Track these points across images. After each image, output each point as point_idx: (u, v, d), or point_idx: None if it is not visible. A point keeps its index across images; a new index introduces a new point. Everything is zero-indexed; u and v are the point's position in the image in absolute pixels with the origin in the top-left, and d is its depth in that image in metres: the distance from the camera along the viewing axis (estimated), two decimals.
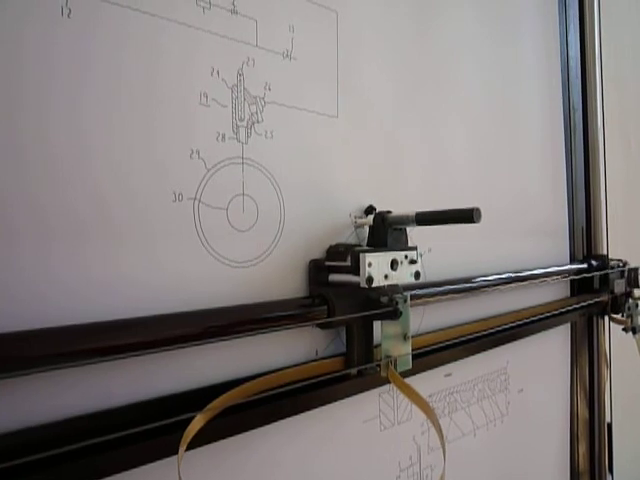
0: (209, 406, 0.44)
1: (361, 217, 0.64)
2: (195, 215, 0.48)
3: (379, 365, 0.59)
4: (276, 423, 0.51)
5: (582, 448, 1.18)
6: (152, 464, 0.41)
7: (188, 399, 0.46)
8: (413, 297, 0.61)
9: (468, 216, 0.52)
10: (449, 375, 0.80)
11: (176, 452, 0.40)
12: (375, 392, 0.67)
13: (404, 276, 0.58)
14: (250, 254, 0.53)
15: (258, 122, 0.54)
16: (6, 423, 0.37)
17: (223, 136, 0.51)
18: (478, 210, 0.52)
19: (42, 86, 0.39)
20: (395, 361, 0.58)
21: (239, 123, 0.52)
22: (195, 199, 0.48)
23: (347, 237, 0.62)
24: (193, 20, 0.49)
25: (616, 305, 1.15)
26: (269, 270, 0.54)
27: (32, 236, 0.39)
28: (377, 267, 0.55)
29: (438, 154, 0.79)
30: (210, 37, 0.50)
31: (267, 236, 0.55)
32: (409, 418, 0.73)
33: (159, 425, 0.39)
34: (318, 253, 0.59)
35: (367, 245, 0.60)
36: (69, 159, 0.41)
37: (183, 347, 0.44)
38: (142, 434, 0.39)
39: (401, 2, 0.73)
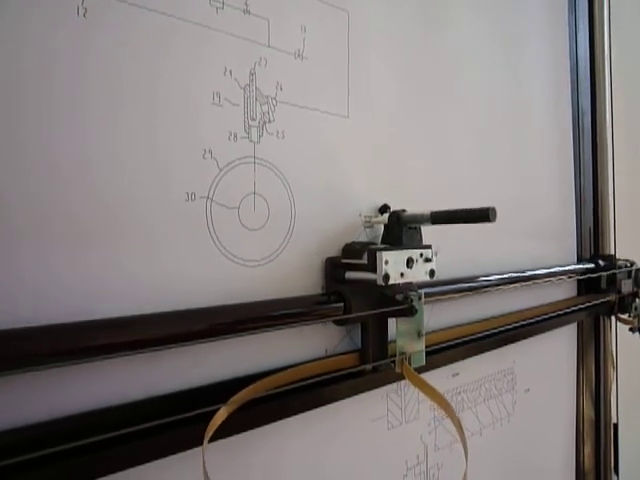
0: (232, 399, 0.45)
1: (370, 216, 0.64)
2: (207, 214, 0.49)
3: (394, 361, 0.59)
4: (287, 419, 0.52)
5: (588, 448, 1.18)
6: (169, 458, 0.42)
7: (203, 393, 0.47)
8: (425, 295, 0.61)
9: (484, 215, 0.52)
10: (457, 375, 0.80)
11: (196, 444, 0.42)
12: (383, 391, 0.67)
13: (419, 274, 0.59)
14: (261, 253, 0.53)
15: (270, 122, 0.54)
16: (34, 414, 0.38)
17: (235, 136, 0.51)
18: (494, 209, 0.52)
19: (66, 86, 0.40)
20: (409, 357, 0.59)
21: (251, 123, 0.52)
22: (207, 198, 0.49)
23: (357, 236, 0.63)
24: (207, 20, 0.49)
25: (623, 305, 1.15)
26: (279, 269, 0.55)
27: (63, 237, 0.39)
28: (393, 265, 0.55)
29: (446, 154, 0.79)
30: (223, 37, 0.50)
31: (278, 235, 0.55)
32: (416, 417, 0.73)
33: (181, 418, 0.40)
34: (328, 251, 0.59)
35: (382, 243, 0.61)
36: (95, 161, 0.41)
37: (201, 342, 0.45)
38: (163, 427, 0.40)
39: (412, 3, 0.73)
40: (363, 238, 0.63)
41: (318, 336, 0.59)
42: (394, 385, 0.68)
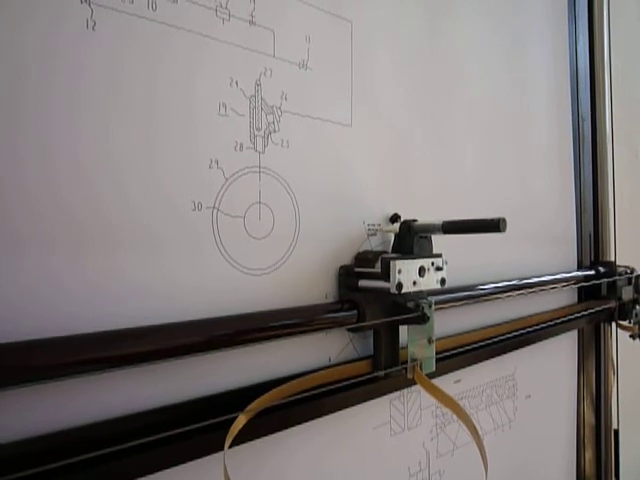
0: (250, 406, 0.46)
1: (374, 224, 0.65)
2: (214, 223, 0.49)
3: (405, 368, 0.60)
4: (296, 426, 0.53)
5: (588, 454, 1.18)
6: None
7: (216, 402, 0.48)
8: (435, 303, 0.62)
9: (495, 226, 0.53)
10: (458, 381, 0.80)
11: (214, 451, 0.43)
12: (386, 398, 0.67)
13: (431, 282, 0.60)
14: (266, 262, 0.54)
15: (275, 131, 0.54)
16: (56, 423, 0.39)
17: (241, 146, 0.51)
18: (504, 220, 0.53)
19: (71, 95, 0.40)
20: (421, 364, 0.60)
21: (256, 133, 0.53)
22: (214, 208, 0.49)
23: (361, 244, 0.63)
24: (213, 31, 0.49)
25: (623, 312, 1.15)
26: (284, 277, 0.55)
27: (65, 245, 0.39)
28: (406, 274, 0.57)
29: (448, 162, 0.79)
30: (229, 48, 0.51)
31: (283, 244, 0.55)
32: (418, 424, 0.73)
33: (200, 426, 0.41)
34: (331, 259, 0.60)
35: (392, 252, 0.62)
36: (99, 168, 0.41)
37: (218, 351, 0.46)
38: (182, 435, 0.41)
39: (414, 12, 0.73)
40: (367, 246, 0.64)
41: (322, 344, 0.59)
42: (397, 392, 0.69)
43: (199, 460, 0.44)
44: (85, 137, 0.41)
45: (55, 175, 0.39)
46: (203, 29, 0.49)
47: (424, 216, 0.63)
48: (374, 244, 0.65)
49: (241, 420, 0.44)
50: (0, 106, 0.37)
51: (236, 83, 0.51)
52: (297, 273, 0.56)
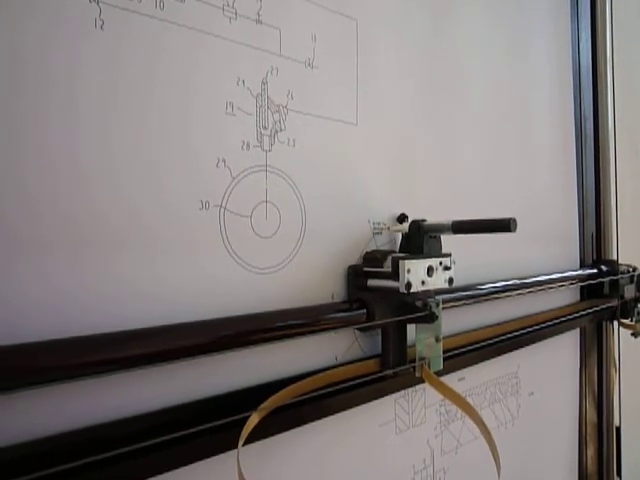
0: (263, 405, 0.46)
1: (379, 222, 0.65)
2: (221, 222, 0.49)
3: (414, 366, 0.61)
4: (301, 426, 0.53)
5: (591, 451, 1.18)
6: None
7: (226, 401, 0.49)
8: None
9: (505, 226, 0.53)
10: (462, 379, 0.80)
11: (222, 450, 0.44)
12: (392, 396, 0.67)
13: (439, 282, 0.60)
14: (273, 261, 0.54)
15: (281, 130, 0.54)
16: (63, 425, 0.39)
17: (248, 144, 0.51)
18: (514, 220, 0.53)
19: (72, 96, 0.40)
20: (429, 362, 0.61)
21: (263, 131, 0.53)
22: (221, 207, 0.49)
23: (366, 242, 0.63)
24: (220, 30, 0.49)
25: (626, 310, 1.15)
26: (291, 276, 0.55)
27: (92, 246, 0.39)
28: (415, 273, 0.57)
29: (452, 161, 0.79)
30: (236, 47, 0.51)
31: (289, 242, 0.55)
32: (423, 422, 0.74)
33: (214, 425, 0.42)
34: (337, 258, 0.60)
35: (400, 251, 0.62)
36: (100, 168, 0.42)
37: (221, 352, 0.46)
38: (196, 433, 0.41)
39: (418, 11, 0.73)
40: (372, 245, 0.64)
41: (329, 343, 0.59)
42: (402, 391, 0.69)
43: (202, 461, 0.44)
44: (85, 137, 0.41)
45: (54, 176, 0.39)
46: (210, 28, 0.49)
47: (428, 215, 0.63)
48: (379, 243, 0.65)
49: (254, 419, 0.44)
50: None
51: (243, 82, 0.51)
52: (304, 272, 0.56)
